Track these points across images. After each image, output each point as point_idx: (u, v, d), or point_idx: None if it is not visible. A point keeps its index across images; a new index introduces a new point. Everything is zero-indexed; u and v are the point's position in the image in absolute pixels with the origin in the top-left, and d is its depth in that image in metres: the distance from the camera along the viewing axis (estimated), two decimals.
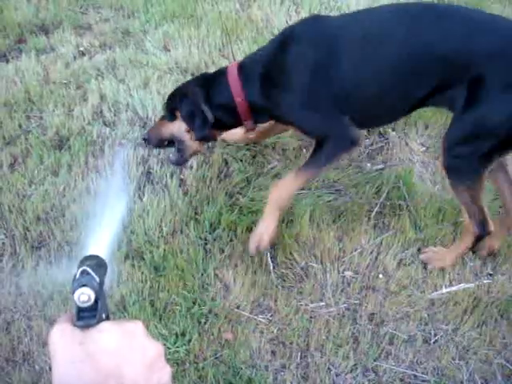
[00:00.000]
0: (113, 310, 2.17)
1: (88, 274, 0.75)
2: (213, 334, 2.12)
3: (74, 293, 0.72)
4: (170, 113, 2.35)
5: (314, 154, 2.19)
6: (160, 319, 2.15)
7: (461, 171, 2.05)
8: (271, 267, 2.33)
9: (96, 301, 0.73)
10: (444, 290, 2.27)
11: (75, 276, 0.75)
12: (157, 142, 2.41)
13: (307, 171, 2.20)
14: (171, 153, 2.45)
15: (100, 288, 0.75)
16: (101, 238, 0.89)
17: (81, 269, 0.76)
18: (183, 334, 2.11)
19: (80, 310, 0.72)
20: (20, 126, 3.02)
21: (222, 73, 2.31)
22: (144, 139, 2.47)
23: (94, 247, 0.87)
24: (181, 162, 2.46)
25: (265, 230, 2.22)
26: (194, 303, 2.20)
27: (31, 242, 2.43)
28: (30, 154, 2.84)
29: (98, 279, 0.75)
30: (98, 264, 0.81)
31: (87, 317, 0.72)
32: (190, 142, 2.34)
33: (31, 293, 2.24)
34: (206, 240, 2.42)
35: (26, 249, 2.40)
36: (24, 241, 2.44)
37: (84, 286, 0.72)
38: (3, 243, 2.44)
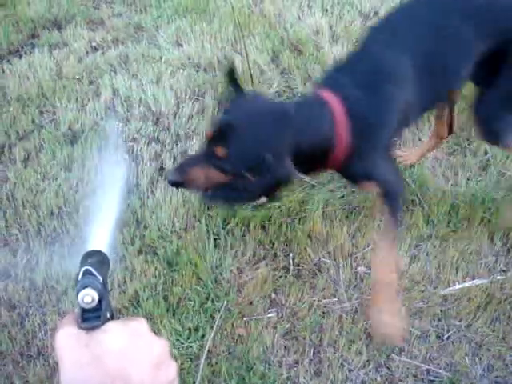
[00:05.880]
0: (126, 306, 2.18)
1: (91, 273, 0.75)
2: (226, 330, 2.13)
3: (77, 294, 0.72)
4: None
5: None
6: (173, 314, 2.16)
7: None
8: (284, 263, 2.34)
9: (100, 301, 0.73)
10: (457, 286, 2.26)
11: (78, 276, 0.75)
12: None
13: (392, 235, 1.91)
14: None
15: (103, 288, 0.74)
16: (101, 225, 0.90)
17: (83, 269, 0.76)
18: (196, 329, 2.12)
19: (84, 311, 0.72)
20: (33, 121, 3.03)
21: None
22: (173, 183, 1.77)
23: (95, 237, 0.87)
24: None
25: (390, 318, 1.87)
26: (207, 298, 2.20)
27: (45, 237, 2.45)
28: (43, 149, 2.85)
29: (100, 279, 0.75)
30: (101, 261, 0.81)
31: (92, 318, 0.72)
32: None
33: (45, 288, 2.25)
34: (218, 235, 2.42)
35: (39, 244, 2.41)
36: (38, 236, 2.45)
37: (87, 287, 0.72)
38: (17, 238, 2.45)
